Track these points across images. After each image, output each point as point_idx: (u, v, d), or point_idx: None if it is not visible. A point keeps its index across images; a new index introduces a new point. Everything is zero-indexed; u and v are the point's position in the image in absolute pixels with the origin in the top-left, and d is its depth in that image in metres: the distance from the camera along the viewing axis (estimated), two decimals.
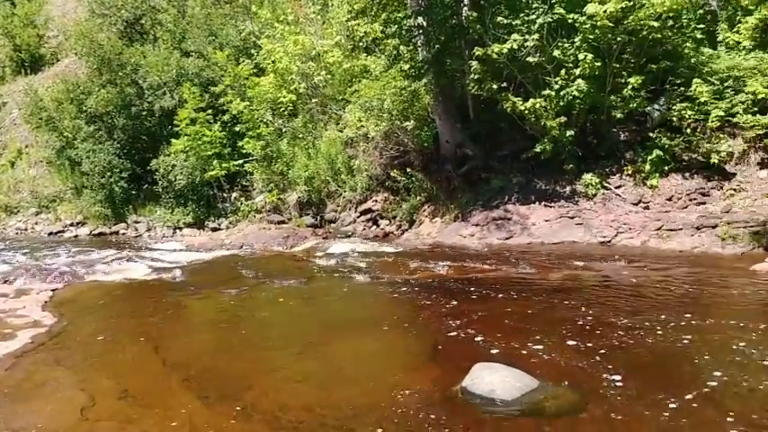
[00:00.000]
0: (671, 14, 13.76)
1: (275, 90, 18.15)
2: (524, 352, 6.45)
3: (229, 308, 9.45)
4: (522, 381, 5.51)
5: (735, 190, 13.12)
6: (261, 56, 19.21)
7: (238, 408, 5.48)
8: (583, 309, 7.98)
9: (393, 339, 7.42)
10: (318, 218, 17.23)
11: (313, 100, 18.10)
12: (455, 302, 8.59)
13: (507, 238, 13.38)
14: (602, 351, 6.40)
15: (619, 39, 13.32)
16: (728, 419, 4.90)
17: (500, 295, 8.93)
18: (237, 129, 18.69)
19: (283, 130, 18.70)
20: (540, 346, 6.57)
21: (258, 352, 7.20)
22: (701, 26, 14.81)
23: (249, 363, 6.76)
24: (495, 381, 5.44)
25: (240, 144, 18.47)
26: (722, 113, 13.38)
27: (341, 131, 17.28)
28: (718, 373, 5.77)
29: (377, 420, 5.11)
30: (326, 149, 17.22)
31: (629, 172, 13.83)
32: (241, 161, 18.79)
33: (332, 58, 17.17)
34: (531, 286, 9.52)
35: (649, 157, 13.56)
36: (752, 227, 11.81)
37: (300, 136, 18.11)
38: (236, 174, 19.03)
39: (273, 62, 18.24)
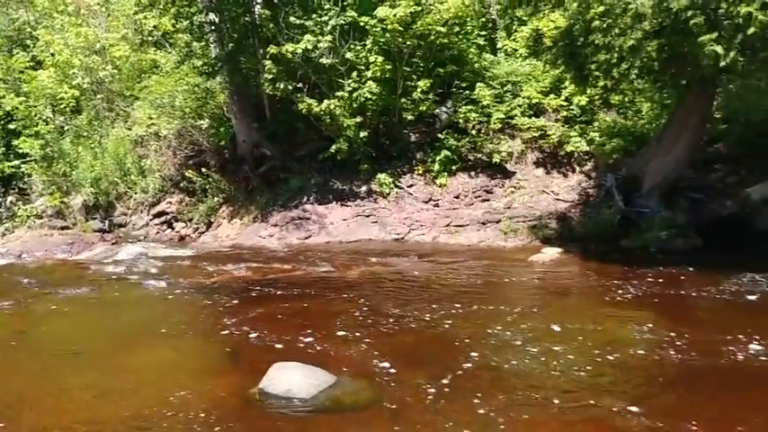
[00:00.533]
0: (457, 21, 14.47)
1: (55, 85, 16.75)
2: (318, 348, 6.45)
3: (5, 322, 8.53)
4: (320, 377, 5.51)
5: (515, 187, 14.07)
6: (38, 48, 17.67)
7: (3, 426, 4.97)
8: (371, 302, 8.17)
9: (187, 346, 7.13)
10: (107, 222, 16.12)
11: (98, 96, 16.96)
12: (252, 305, 8.39)
13: (306, 238, 13.35)
14: (369, 340, 6.56)
15: (408, 43, 13.77)
16: (476, 401, 5.13)
17: (298, 295, 8.86)
18: (12, 127, 17.03)
19: (65, 127, 17.30)
20: (329, 342, 6.60)
21: (40, 368, 6.54)
22: (484, 33, 15.79)
23: (29, 381, 6.15)
24: (292, 380, 5.41)
25: (16, 143, 16.83)
26: (502, 116, 14.30)
27: (130, 129, 16.35)
28: (474, 355, 6.08)
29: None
30: (114, 149, 16.19)
31: (420, 171, 14.35)
32: (17, 162, 17.13)
33: (118, 51, 16.20)
34: (328, 284, 9.54)
35: (438, 158, 14.16)
36: (530, 221, 12.72)
37: (85, 134, 16.89)
38: (11, 176, 17.35)
39: (53, 55, 16.85)
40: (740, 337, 6.50)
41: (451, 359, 5.98)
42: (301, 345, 6.55)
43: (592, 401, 5.19)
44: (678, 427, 4.80)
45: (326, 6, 13.89)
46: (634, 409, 5.03)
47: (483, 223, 12.98)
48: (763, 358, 6.01)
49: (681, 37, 9.22)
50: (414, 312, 7.51)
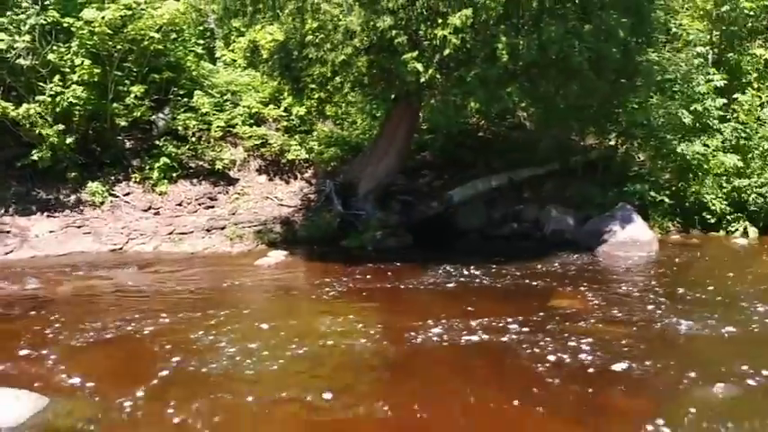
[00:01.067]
0: (173, 28, 14.13)
1: None
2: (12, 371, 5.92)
3: None
4: (27, 402, 5.06)
5: (239, 194, 14.11)
6: None
7: None
8: (69, 318, 7.63)
9: None
10: None
11: None
12: None
13: (7, 254, 12.02)
14: (58, 357, 6.23)
15: (119, 47, 13.11)
16: (170, 410, 5.08)
17: None
18: None
19: None
20: (21, 363, 6.10)
21: None
22: (202, 42, 15.62)
23: None
24: None
25: None
26: (223, 124, 14.29)
27: None
28: (174, 361, 6.02)
29: None
30: None
31: (138, 179, 13.74)
32: None
33: None
34: (27, 303, 8.67)
35: (157, 165, 13.69)
36: (255, 226, 12.86)
37: None
38: None
39: None
40: (429, 322, 7.24)
41: (150, 369, 5.84)
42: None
43: (285, 394, 5.42)
44: (369, 409, 5.20)
45: (24, 4, 12.72)
46: (327, 396, 5.34)
47: (208, 230, 12.83)
48: (437, 339, 6.76)
49: (388, 54, 9.99)
50: (118, 324, 7.20)
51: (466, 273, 9.97)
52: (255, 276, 10.29)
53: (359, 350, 6.45)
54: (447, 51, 9.43)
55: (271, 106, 14.74)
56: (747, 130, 13.92)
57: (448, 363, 6.32)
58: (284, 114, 14.80)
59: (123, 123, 13.54)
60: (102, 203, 13.12)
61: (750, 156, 13.73)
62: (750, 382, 5.66)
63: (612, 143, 14.98)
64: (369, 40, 9.93)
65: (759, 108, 14.33)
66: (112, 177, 13.70)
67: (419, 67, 9.54)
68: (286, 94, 14.14)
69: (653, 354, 6.37)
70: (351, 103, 14.87)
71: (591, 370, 5.95)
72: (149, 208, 13.40)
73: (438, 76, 9.85)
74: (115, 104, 13.38)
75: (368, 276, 9.88)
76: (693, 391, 5.58)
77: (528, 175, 14.45)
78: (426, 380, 5.86)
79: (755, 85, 14.74)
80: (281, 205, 13.94)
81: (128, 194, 13.54)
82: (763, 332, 7.15)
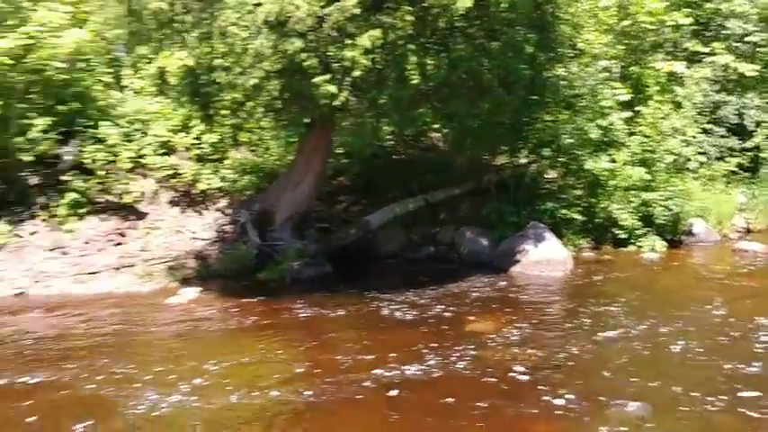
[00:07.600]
0: (79, 57, 13.59)
1: None
2: None
3: None
4: None
5: (150, 228, 13.56)
6: None
7: None
8: None
9: None
10: None
11: None
12: None
13: None
14: None
15: (22, 78, 12.51)
16: None
17: None
18: None
19: None
20: None
21: None
22: (110, 70, 15.09)
23: None
24: None
25: None
26: (133, 155, 13.79)
27: None
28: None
29: None
30: None
31: (44, 217, 13.03)
32: None
33: None
34: None
35: (64, 201, 13.05)
36: (167, 263, 12.41)
37: None
38: None
39: None
40: (348, 357, 7.19)
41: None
42: None
43: None
44: None
45: None
46: None
47: (117, 269, 12.29)
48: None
49: (300, 77, 9.78)
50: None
51: (383, 300, 9.95)
52: (167, 316, 9.94)
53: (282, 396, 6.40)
54: (357, 73, 9.37)
55: (181, 134, 14.36)
56: (652, 143, 14.30)
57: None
58: (196, 142, 14.45)
59: (28, 158, 12.85)
60: (4, 244, 12.41)
61: (655, 168, 14.05)
62: (661, 399, 5.91)
63: (524, 161, 15.15)
64: (279, 64, 9.68)
65: (661, 121, 14.68)
66: (17, 216, 12.95)
67: (332, 89, 9.42)
68: (197, 120, 13.79)
69: (570, 376, 6.54)
70: (264, 128, 14.67)
71: (505, 397, 6.05)
72: (56, 247, 12.69)
73: (351, 98, 9.79)
74: (19, 139, 12.70)
75: (284, 311, 9.74)
76: (609, 411, 5.77)
77: (443, 197, 14.54)
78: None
79: (657, 98, 15.17)
80: (195, 239, 13.44)
81: (33, 234, 12.74)
82: (672, 349, 7.48)
